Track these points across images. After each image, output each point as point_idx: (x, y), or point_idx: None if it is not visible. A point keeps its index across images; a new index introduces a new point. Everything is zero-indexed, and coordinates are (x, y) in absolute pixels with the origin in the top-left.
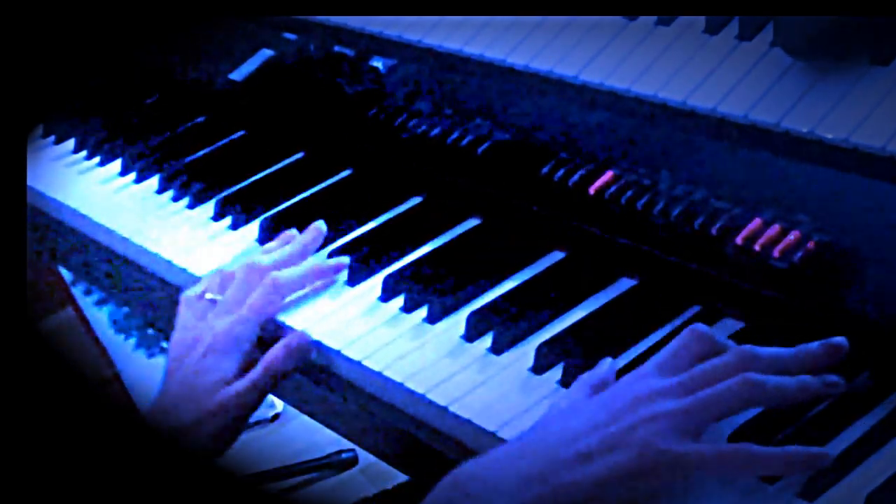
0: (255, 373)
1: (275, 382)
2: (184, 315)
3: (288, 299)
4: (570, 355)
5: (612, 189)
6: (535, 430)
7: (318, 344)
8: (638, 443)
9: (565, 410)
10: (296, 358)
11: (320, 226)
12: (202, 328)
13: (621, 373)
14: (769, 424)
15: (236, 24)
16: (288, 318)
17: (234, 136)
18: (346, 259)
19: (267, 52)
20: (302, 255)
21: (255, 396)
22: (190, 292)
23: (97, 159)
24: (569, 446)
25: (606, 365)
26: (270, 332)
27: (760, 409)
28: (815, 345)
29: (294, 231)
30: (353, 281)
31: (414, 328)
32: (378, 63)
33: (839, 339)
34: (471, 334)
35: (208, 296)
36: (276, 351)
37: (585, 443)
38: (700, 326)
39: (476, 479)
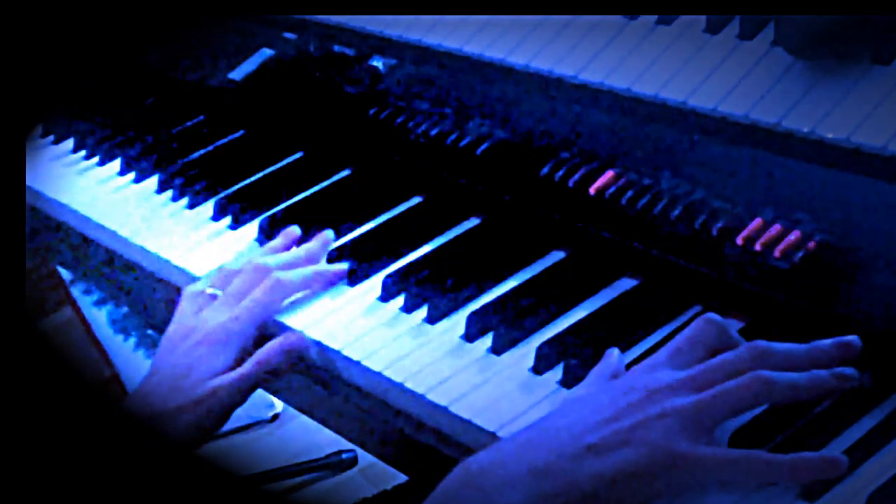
0: (246, 367)
1: (264, 379)
2: (182, 308)
3: (287, 301)
4: (571, 355)
5: (613, 189)
6: (548, 419)
7: (317, 344)
8: (647, 442)
9: (576, 401)
10: (290, 357)
11: (328, 235)
12: (198, 321)
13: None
14: (769, 425)
15: (236, 24)
16: (288, 318)
17: (234, 136)
18: (345, 265)
19: (267, 52)
20: (308, 261)
21: (242, 390)
22: (192, 287)
23: (96, 159)
24: (578, 440)
25: (615, 356)
26: (271, 332)
27: (761, 409)
28: (827, 342)
29: (296, 228)
30: (353, 281)
31: (414, 328)
32: (378, 63)
33: (852, 338)
34: (471, 334)
35: (209, 290)
36: (270, 348)
37: (595, 436)
38: (714, 317)
39: (487, 472)
